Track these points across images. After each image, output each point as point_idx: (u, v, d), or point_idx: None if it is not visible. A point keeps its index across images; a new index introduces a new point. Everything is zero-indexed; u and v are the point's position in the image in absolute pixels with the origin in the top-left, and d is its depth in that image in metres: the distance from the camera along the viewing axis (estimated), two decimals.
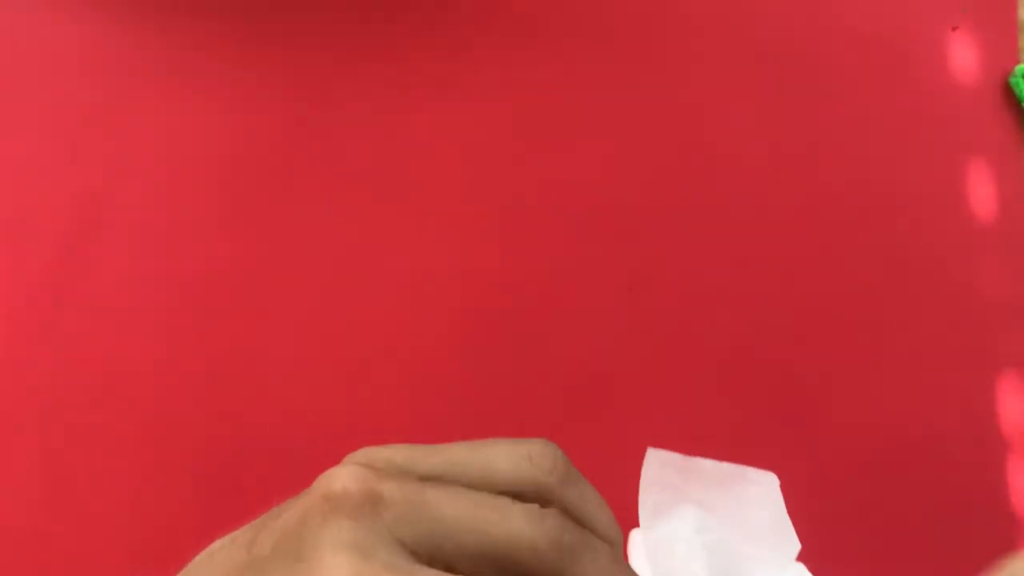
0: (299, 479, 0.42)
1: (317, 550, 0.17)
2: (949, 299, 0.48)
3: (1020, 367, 0.47)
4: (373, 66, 0.48)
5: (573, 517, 0.20)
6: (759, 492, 0.37)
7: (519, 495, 0.20)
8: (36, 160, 0.44)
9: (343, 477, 0.19)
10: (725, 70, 0.50)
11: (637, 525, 0.34)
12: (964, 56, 0.52)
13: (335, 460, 0.43)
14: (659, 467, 0.36)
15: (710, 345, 0.47)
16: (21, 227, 0.43)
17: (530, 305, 0.46)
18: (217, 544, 0.20)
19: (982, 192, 0.50)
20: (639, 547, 0.33)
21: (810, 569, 0.33)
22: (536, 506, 0.19)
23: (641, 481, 0.35)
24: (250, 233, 0.45)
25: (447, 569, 0.19)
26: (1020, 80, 0.51)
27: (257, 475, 0.41)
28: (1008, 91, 0.52)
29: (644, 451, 0.35)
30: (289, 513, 0.19)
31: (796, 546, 0.35)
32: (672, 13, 0.51)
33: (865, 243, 0.48)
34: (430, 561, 0.19)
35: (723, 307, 0.48)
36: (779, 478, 0.36)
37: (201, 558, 0.20)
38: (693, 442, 0.47)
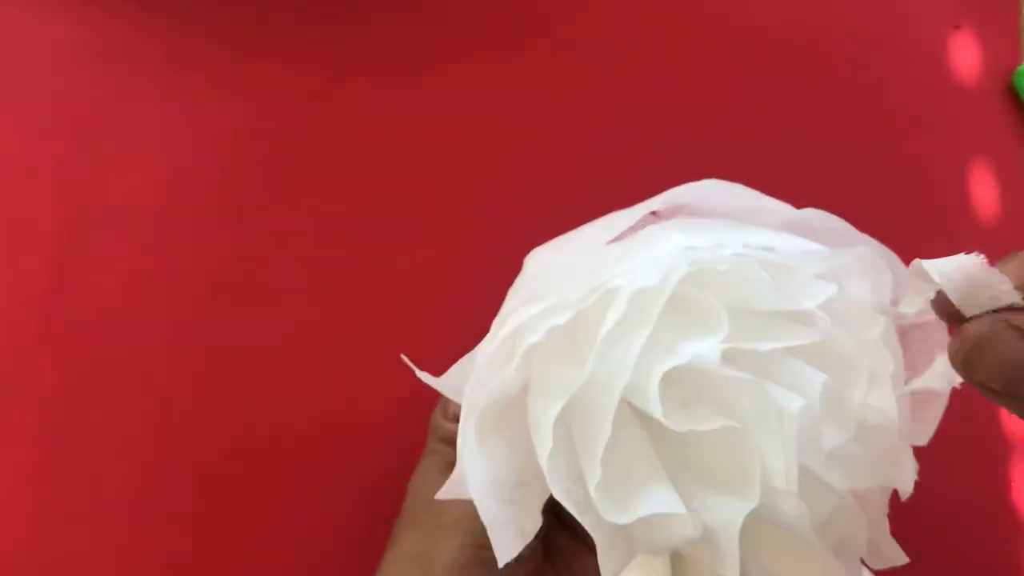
0: (299, 478, 0.42)
1: None
2: None
3: None
4: (374, 65, 0.48)
5: None
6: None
7: None
8: (35, 159, 0.44)
9: None
10: (724, 70, 0.50)
11: None
12: (966, 55, 0.52)
13: (336, 459, 0.43)
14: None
15: None
16: (20, 227, 0.43)
17: None
18: None
19: (984, 191, 0.50)
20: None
21: None
22: None
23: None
24: (250, 232, 0.45)
25: None
26: (1023, 79, 0.51)
27: (257, 474, 0.41)
28: (1011, 90, 0.52)
29: None
30: None
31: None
32: (669, 14, 0.51)
33: None
34: None
35: None
36: None
37: None
38: None
